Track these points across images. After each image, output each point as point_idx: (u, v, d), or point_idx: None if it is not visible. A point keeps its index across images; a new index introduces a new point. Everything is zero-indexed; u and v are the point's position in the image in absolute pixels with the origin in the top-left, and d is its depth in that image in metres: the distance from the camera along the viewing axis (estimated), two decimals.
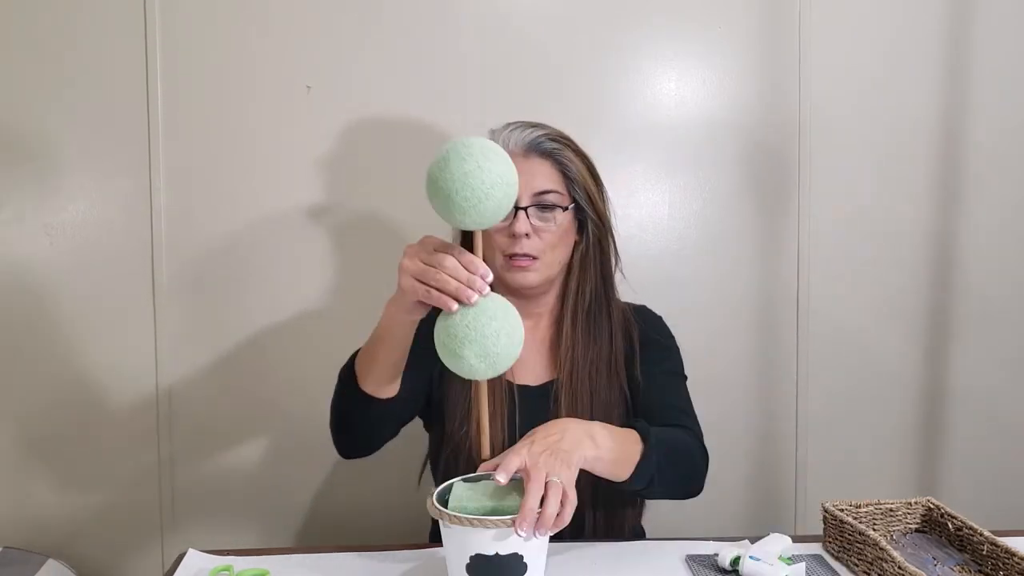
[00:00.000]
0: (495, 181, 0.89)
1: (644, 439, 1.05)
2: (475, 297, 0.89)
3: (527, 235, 1.14)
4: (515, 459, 0.92)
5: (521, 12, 1.58)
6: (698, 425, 1.20)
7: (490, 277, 0.90)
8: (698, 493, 1.16)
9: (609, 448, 1.00)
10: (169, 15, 1.52)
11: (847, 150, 1.65)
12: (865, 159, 1.66)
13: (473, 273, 0.89)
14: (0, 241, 1.52)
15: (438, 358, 0.92)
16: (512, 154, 1.17)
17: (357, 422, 1.12)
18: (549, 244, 1.16)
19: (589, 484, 1.14)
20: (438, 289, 0.89)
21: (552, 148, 1.18)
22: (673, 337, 1.28)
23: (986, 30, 1.66)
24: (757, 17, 1.62)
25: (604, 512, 1.19)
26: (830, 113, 1.64)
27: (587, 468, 0.98)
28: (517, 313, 0.93)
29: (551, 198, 1.16)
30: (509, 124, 1.21)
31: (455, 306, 0.89)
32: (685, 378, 1.26)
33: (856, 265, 1.68)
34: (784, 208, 1.65)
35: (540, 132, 1.19)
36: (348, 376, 1.09)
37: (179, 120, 1.53)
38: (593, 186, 1.21)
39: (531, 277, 1.16)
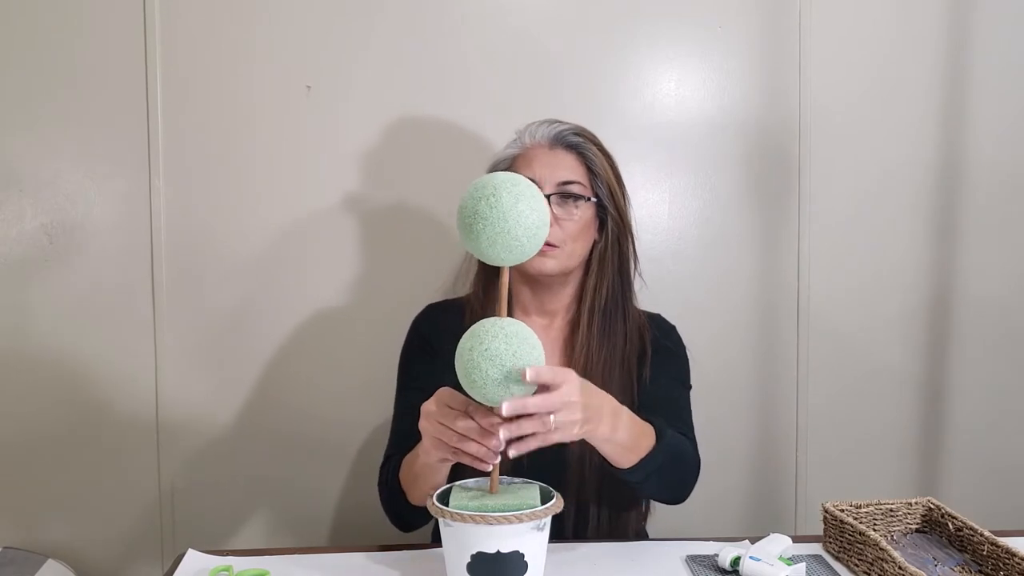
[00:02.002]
0: (543, 221, 0.89)
1: (658, 437, 1.05)
2: (497, 459, 0.90)
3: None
4: (558, 373, 0.89)
5: (521, 12, 1.58)
6: (694, 435, 1.20)
7: (504, 435, 0.88)
8: (682, 502, 1.16)
9: (625, 436, 0.99)
10: (169, 15, 1.52)
11: (847, 150, 1.65)
12: (865, 159, 1.66)
13: (490, 433, 0.89)
14: (0, 241, 1.52)
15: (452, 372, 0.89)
16: (538, 146, 1.19)
17: (420, 519, 1.16)
18: (570, 234, 1.16)
19: (596, 487, 1.15)
20: (461, 450, 0.90)
21: (577, 142, 1.20)
22: (684, 347, 1.28)
23: (986, 29, 1.66)
24: (757, 17, 1.62)
25: (608, 514, 1.19)
26: (830, 113, 1.64)
27: (592, 443, 0.97)
28: None
29: (574, 188, 1.17)
30: (535, 121, 1.23)
31: (487, 467, 0.90)
32: (689, 388, 1.26)
33: (856, 265, 1.68)
34: (784, 208, 1.65)
35: (566, 127, 1.21)
36: (396, 489, 1.12)
37: (179, 120, 1.53)
38: (616, 184, 1.22)
39: (549, 264, 1.16)
